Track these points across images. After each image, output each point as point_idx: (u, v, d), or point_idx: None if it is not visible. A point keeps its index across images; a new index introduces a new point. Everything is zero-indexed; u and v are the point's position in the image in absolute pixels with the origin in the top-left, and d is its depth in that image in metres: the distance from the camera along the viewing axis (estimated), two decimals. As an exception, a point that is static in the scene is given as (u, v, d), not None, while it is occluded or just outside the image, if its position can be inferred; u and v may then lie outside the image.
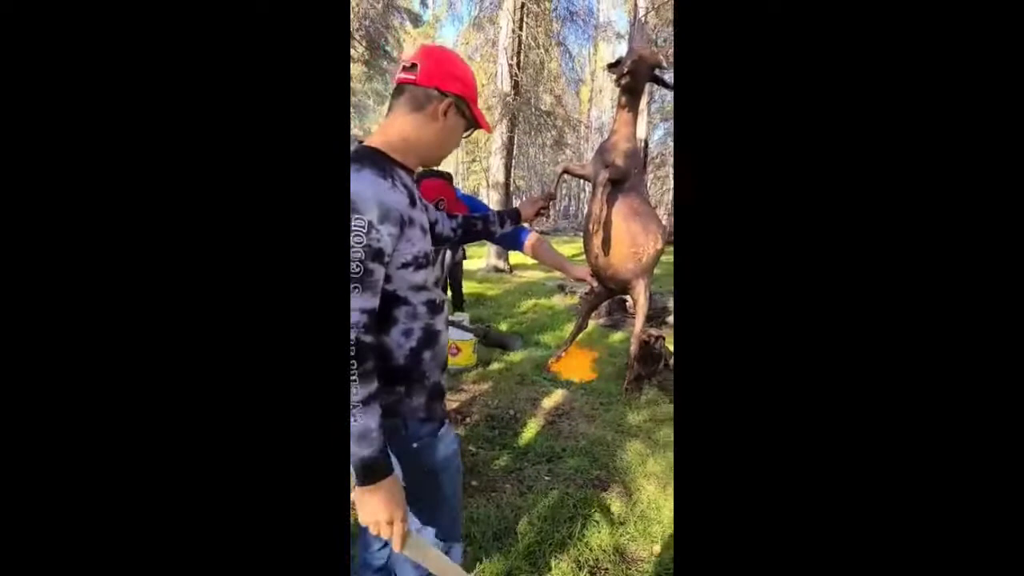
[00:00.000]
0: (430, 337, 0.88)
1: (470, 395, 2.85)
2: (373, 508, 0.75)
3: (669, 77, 1.50)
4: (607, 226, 1.44)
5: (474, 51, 8.61)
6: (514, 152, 8.29)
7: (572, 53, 9.56)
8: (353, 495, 0.76)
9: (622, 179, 1.44)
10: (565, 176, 1.59)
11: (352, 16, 7.80)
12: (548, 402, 2.80)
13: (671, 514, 1.83)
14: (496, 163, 8.01)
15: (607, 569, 1.54)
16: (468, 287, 6.04)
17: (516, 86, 7.71)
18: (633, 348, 1.59)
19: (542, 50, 8.06)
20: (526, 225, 1.44)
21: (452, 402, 2.75)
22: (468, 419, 2.57)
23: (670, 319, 4.76)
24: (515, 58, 7.61)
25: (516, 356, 3.57)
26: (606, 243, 1.44)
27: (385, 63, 11.91)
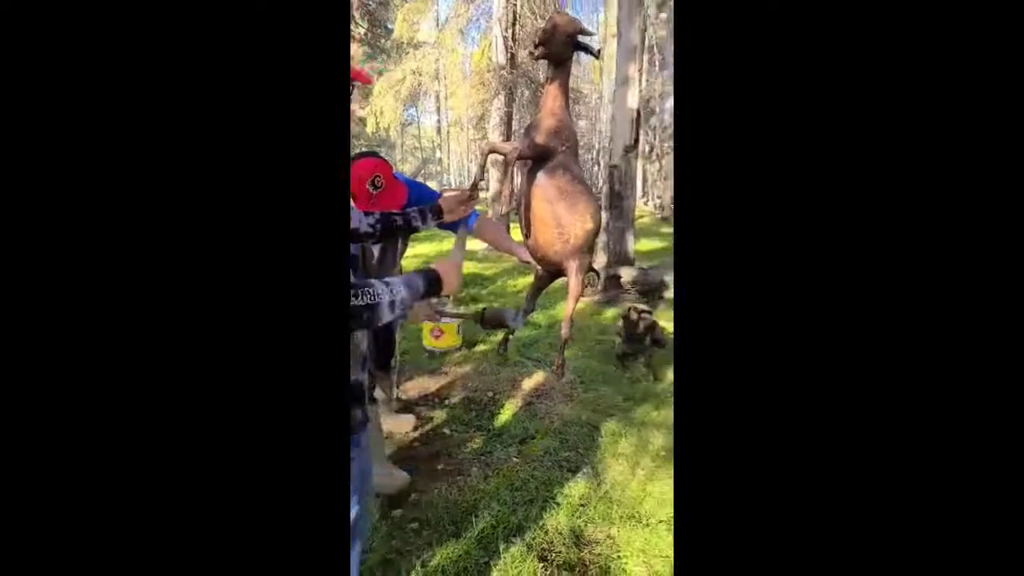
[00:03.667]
0: None
1: (452, 378, 2.86)
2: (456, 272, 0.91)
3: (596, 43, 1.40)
4: (528, 208, 1.38)
5: (469, 24, 8.39)
6: (513, 127, 8.13)
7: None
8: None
9: (541, 157, 1.36)
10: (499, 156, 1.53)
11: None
12: (528, 383, 2.79)
13: (634, 494, 1.81)
14: (496, 139, 7.87)
15: (560, 552, 1.54)
16: (466, 268, 6.02)
17: (512, 59, 7.51)
18: (564, 330, 1.55)
19: (539, 19, 7.81)
20: (476, 209, 1.40)
21: (433, 385, 2.76)
22: (447, 401, 2.58)
23: (667, 294, 4.69)
24: (510, 30, 7.39)
25: (497, 336, 3.55)
26: (529, 226, 1.38)
27: (386, 42, 11.77)
